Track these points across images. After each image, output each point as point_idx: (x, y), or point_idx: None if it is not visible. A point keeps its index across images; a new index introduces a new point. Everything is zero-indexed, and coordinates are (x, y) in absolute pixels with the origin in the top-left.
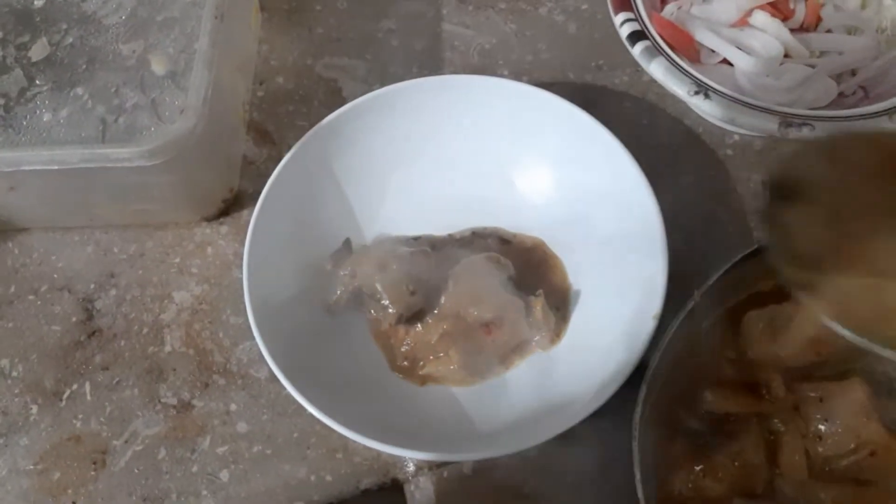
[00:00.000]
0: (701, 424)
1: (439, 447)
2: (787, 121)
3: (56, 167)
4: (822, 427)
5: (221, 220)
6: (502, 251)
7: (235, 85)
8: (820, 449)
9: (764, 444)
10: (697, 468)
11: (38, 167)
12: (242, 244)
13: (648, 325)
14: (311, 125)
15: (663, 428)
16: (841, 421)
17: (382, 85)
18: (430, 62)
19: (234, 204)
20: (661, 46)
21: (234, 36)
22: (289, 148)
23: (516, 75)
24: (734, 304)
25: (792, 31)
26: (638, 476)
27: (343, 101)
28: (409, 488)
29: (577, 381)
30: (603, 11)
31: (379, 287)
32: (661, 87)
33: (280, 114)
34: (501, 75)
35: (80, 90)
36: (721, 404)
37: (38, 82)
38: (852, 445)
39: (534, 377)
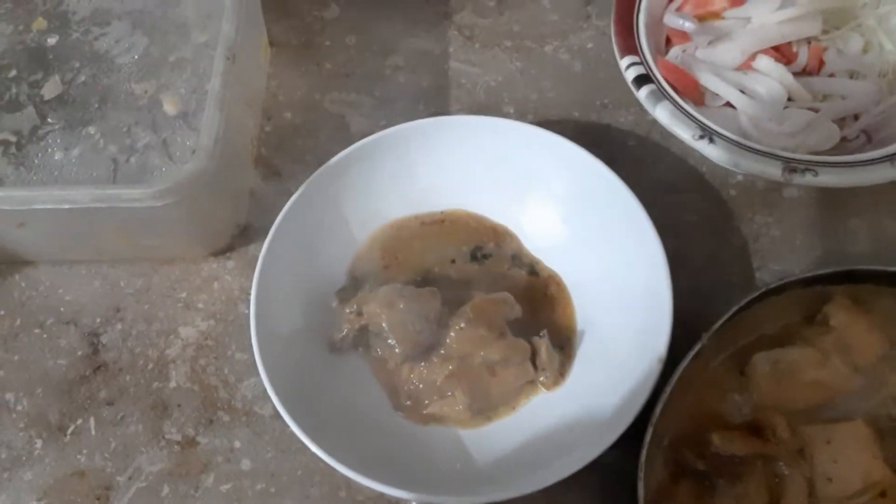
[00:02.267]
0: (706, 466)
1: (442, 489)
2: (790, 166)
3: (67, 206)
4: (830, 468)
5: (228, 254)
6: (527, 282)
7: (245, 121)
8: (829, 491)
9: (768, 488)
10: None
11: (48, 206)
12: (249, 279)
13: (654, 368)
14: (319, 160)
15: (668, 469)
16: (850, 461)
17: (389, 121)
18: (437, 99)
19: (241, 239)
20: (665, 90)
21: (244, 73)
22: (296, 183)
23: (521, 113)
24: (740, 347)
25: (795, 74)
26: None
27: (350, 137)
28: None
29: (582, 421)
30: (608, 51)
31: (385, 326)
32: (664, 127)
33: (288, 149)
34: (507, 113)
35: (91, 129)
36: (727, 446)
37: (50, 120)
38: (860, 485)
39: (538, 418)
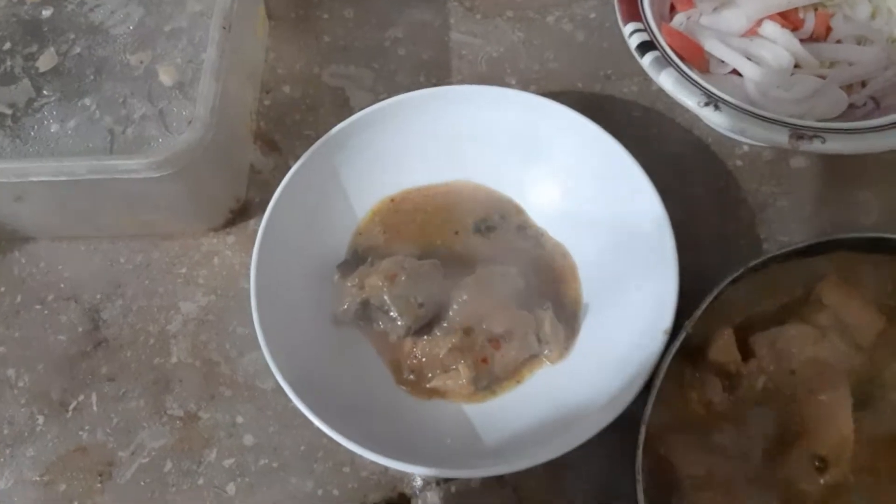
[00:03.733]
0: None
1: (446, 463)
2: (798, 133)
3: (63, 178)
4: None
5: (228, 229)
6: (534, 255)
7: (243, 94)
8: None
9: None
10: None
11: (45, 178)
12: (249, 254)
13: (658, 340)
14: (318, 134)
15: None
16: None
17: (390, 94)
18: (438, 71)
19: (241, 214)
20: (670, 57)
21: (241, 45)
22: (295, 157)
23: (524, 84)
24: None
25: (802, 41)
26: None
27: (350, 111)
28: (417, 503)
29: (586, 395)
30: (611, 20)
31: (387, 299)
32: (670, 97)
33: (287, 123)
34: (509, 84)
35: (87, 101)
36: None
37: (45, 92)
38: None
39: (543, 392)
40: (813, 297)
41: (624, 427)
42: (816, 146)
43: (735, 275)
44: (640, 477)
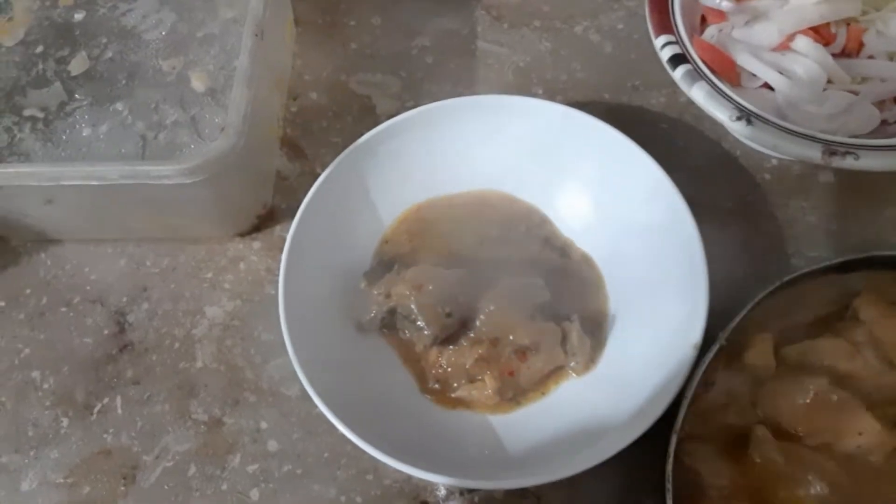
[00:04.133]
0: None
1: (470, 473)
2: (831, 149)
3: (95, 182)
4: None
5: (254, 235)
6: (560, 265)
7: (271, 101)
8: None
9: None
10: None
11: (76, 182)
12: (275, 260)
13: (688, 354)
14: (345, 141)
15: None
16: None
17: (416, 102)
18: (465, 80)
19: (267, 219)
20: (702, 70)
21: (271, 52)
22: (321, 164)
23: (551, 94)
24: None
25: (834, 56)
26: None
27: (376, 118)
28: None
29: (612, 408)
30: (639, 31)
31: (414, 308)
32: (698, 108)
33: (313, 129)
34: (536, 94)
35: (119, 105)
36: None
37: (77, 96)
38: None
39: (568, 404)
40: (849, 313)
41: (648, 437)
42: (850, 163)
43: (771, 288)
44: (669, 486)
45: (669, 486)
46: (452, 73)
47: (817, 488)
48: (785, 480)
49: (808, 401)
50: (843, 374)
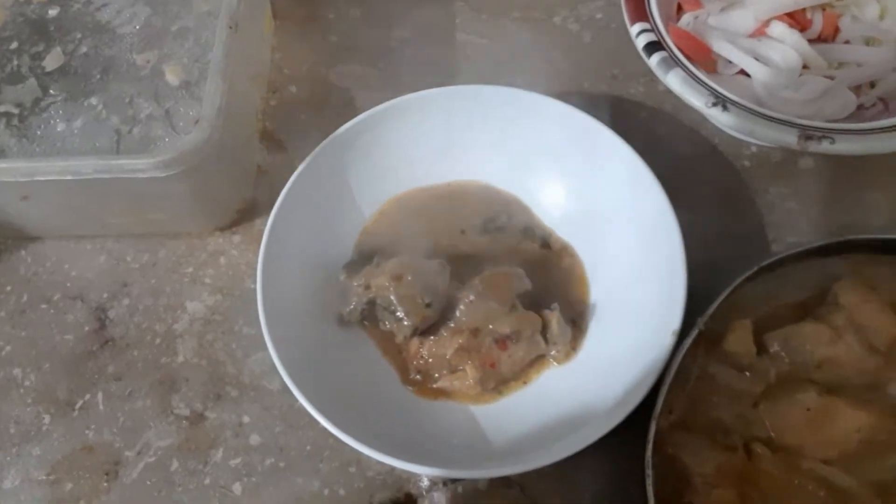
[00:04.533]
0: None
1: (453, 463)
2: (806, 133)
3: (70, 177)
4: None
5: (234, 229)
6: (541, 255)
7: (249, 94)
8: None
9: None
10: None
11: (52, 177)
12: (255, 254)
13: (667, 341)
14: (325, 134)
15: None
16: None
17: (396, 94)
18: (444, 71)
19: (247, 213)
20: (677, 57)
21: (247, 45)
22: (302, 157)
23: (530, 85)
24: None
25: (810, 41)
26: None
27: (356, 110)
28: (423, 503)
29: (594, 396)
30: (618, 21)
31: (394, 299)
32: (677, 97)
33: (293, 123)
34: (516, 84)
35: (94, 100)
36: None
37: (52, 92)
38: None
39: (550, 392)
40: (829, 298)
41: (632, 426)
42: (825, 147)
43: (748, 273)
44: (649, 472)
45: (649, 472)
46: (432, 65)
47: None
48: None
49: (804, 417)
50: (823, 359)
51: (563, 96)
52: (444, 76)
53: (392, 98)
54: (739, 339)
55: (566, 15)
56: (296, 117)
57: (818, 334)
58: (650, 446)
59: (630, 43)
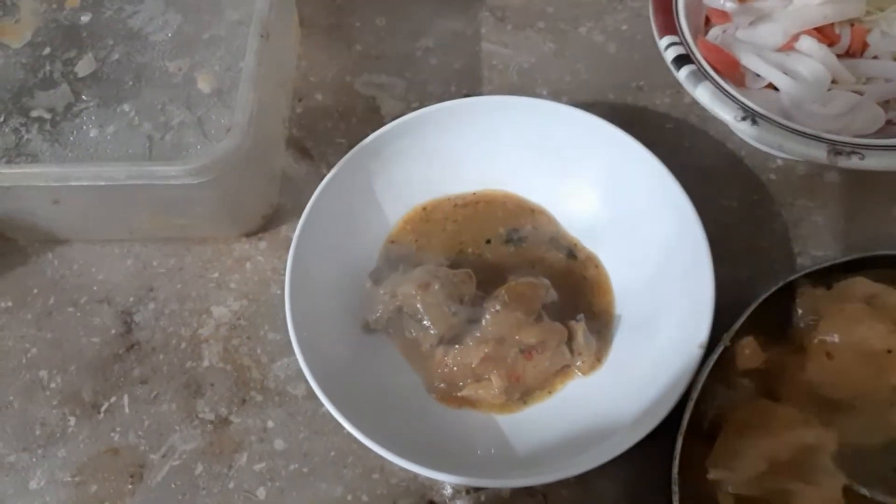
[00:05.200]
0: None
1: (476, 472)
2: (836, 149)
3: (102, 183)
4: None
5: (260, 235)
6: (566, 265)
7: (276, 101)
8: None
9: None
10: None
11: (84, 182)
12: (281, 260)
13: (695, 354)
14: (350, 142)
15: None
16: None
17: (421, 103)
18: (469, 81)
19: (273, 220)
20: (706, 71)
21: (276, 53)
22: (327, 164)
23: (555, 95)
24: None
25: (838, 56)
26: None
27: (381, 119)
28: None
29: (618, 408)
30: (643, 32)
31: (420, 307)
32: (702, 109)
33: (319, 130)
34: (540, 95)
35: (126, 107)
36: None
37: (84, 98)
38: None
39: (574, 403)
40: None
41: (657, 436)
42: (855, 162)
43: (774, 288)
44: (675, 488)
45: (675, 489)
46: (457, 75)
47: None
48: None
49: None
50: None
51: (589, 107)
52: (469, 86)
53: (417, 107)
54: (749, 358)
55: (591, 26)
56: (321, 125)
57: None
58: (676, 463)
59: (656, 54)
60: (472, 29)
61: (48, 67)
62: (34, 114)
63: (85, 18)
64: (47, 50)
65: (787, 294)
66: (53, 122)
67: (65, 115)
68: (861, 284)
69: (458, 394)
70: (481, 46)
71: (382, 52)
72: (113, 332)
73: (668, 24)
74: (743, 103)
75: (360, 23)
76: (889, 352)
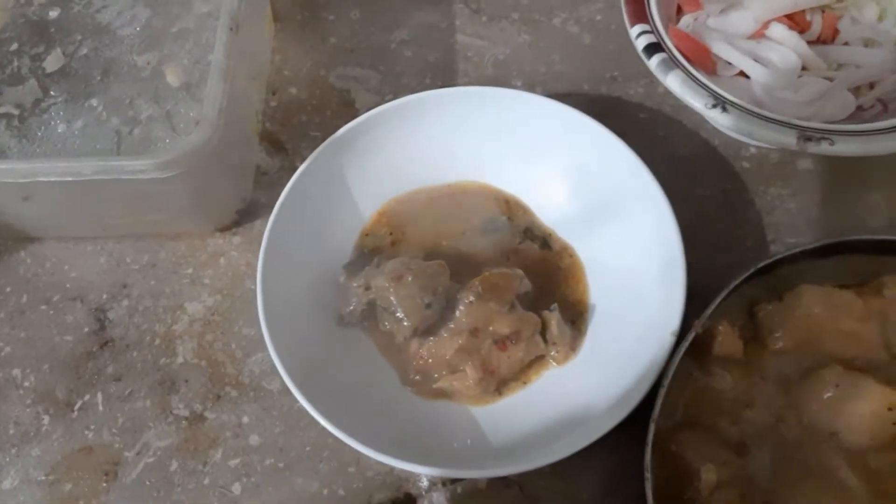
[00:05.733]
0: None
1: (452, 463)
2: (805, 135)
3: (70, 178)
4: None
5: (234, 230)
6: (540, 256)
7: (249, 95)
8: None
9: None
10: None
11: (52, 178)
12: (255, 255)
13: (666, 341)
14: (325, 135)
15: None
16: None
17: (396, 96)
18: (444, 73)
19: (247, 214)
20: (677, 59)
21: (248, 46)
22: (302, 158)
23: (530, 86)
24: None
25: (809, 43)
26: None
27: (356, 112)
28: (423, 503)
29: (593, 396)
30: (617, 22)
31: (393, 299)
32: (676, 99)
33: (293, 124)
34: (515, 86)
35: (94, 101)
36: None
37: (52, 93)
38: None
39: (549, 393)
40: (874, 284)
41: (632, 425)
42: (825, 148)
43: (744, 276)
44: (648, 475)
45: (648, 475)
46: (432, 67)
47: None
48: None
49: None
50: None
51: (563, 98)
52: (444, 78)
53: (391, 99)
54: (725, 344)
55: (566, 17)
56: (295, 118)
57: (851, 304)
58: (649, 449)
59: (630, 45)
60: (447, 21)
61: (16, 63)
62: (1, 110)
63: (53, 14)
64: (15, 45)
65: (760, 280)
66: (21, 118)
67: (32, 111)
68: (810, 293)
69: (434, 386)
70: (456, 38)
71: (357, 45)
72: (86, 329)
73: (640, 13)
74: (714, 91)
75: (335, 16)
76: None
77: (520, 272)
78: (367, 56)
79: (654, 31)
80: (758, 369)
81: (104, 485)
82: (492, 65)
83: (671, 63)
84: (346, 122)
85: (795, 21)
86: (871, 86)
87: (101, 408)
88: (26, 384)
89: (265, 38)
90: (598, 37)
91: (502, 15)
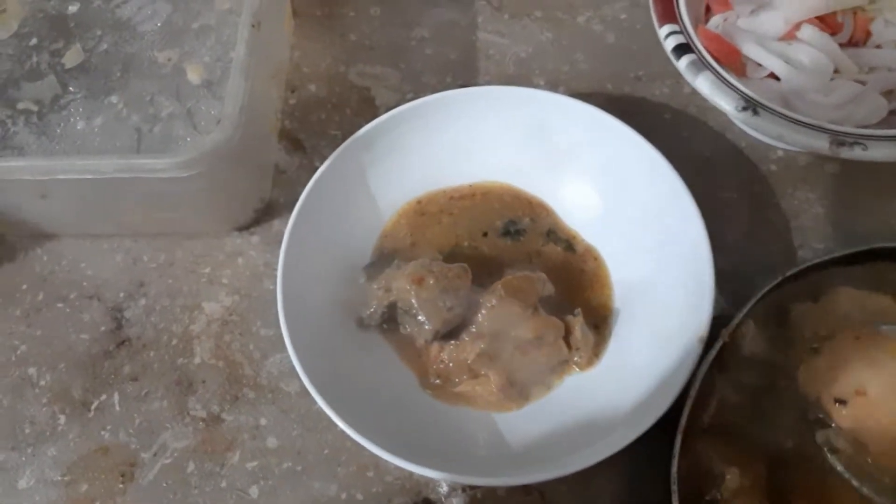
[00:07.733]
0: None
1: (473, 470)
2: (838, 139)
3: (90, 176)
4: None
5: (252, 229)
6: (564, 259)
7: (269, 93)
8: None
9: None
10: None
11: (71, 176)
12: (273, 255)
13: (693, 349)
14: (344, 134)
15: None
16: None
17: (416, 94)
18: (465, 71)
19: (265, 213)
20: (706, 60)
21: (268, 43)
22: (321, 157)
23: (553, 85)
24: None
25: (841, 45)
26: None
27: (376, 110)
28: None
29: (616, 403)
30: (642, 21)
31: (415, 302)
32: (702, 99)
33: (312, 122)
34: (537, 85)
35: (114, 98)
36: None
37: (71, 89)
38: None
39: (572, 399)
40: None
41: (657, 429)
42: (858, 153)
43: (773, 283)
44: (675, 487)
45: (675, 487)
46: (452, 65)
47: None
48: None
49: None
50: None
51: (586, 97)
52: (465, 76)
53: (412, 97)
54: (754, 346)
55: (590, 15)
56: (315, 116)
57: (887, 310)
58: (675, 462)
59: (655, 44)
60: (468, 18)
61: (35, 58)
62: (20, 106)
63: (73, 8)
64: (34, 41)
65: (788, 287)
66: (40, 115)
67: (52, 107)
68: (846, 295)
69: (454, 390)
70: (477, 36)
71: (377, 42)
72: (103, 328)
73: (668, 13)
74: (744, 93)
75: (354, 12)
76: None
77: (542, 275)
78: (386, 53)
79: (683, 31)
80: (787, 374)
81: (120, 486)
82: (513, 63)
83: (701, 64)
84: (366, 121)
85: (827, 23)
86: None
87: (117, 408)
88: (42, 383)
89: (284, 35)
90: (623, 36)
91: (524, 12)
